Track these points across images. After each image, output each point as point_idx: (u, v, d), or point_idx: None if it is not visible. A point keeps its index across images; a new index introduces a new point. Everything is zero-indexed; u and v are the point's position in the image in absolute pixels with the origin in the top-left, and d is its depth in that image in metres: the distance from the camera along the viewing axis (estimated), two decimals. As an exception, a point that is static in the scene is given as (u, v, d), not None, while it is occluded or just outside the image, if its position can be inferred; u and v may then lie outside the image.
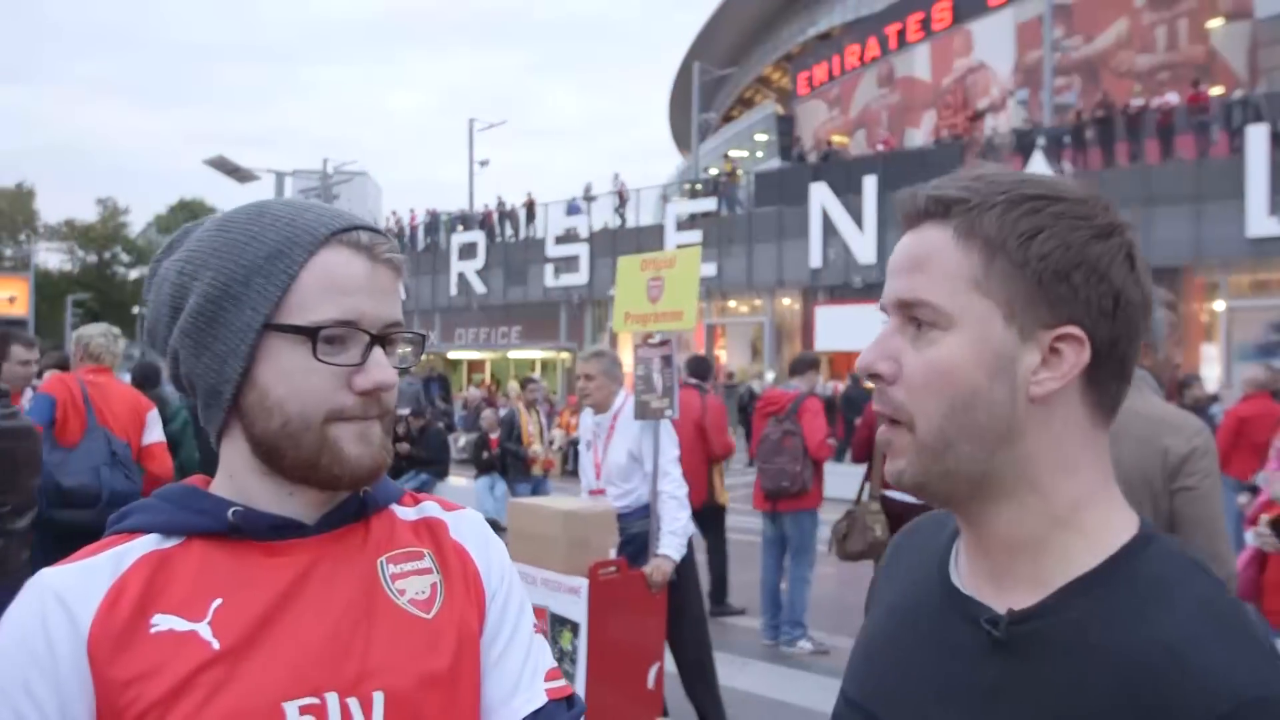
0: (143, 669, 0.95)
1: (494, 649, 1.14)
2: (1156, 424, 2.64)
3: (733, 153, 38.27)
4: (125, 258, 70.92)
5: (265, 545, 1.03)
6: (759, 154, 40.76)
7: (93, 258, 68.77)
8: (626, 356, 5.48)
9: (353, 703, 1.00)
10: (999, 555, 0.93)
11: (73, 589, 0.97)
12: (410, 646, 1.05)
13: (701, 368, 7.91)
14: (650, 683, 4.57)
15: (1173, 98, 20.15)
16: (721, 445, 7.28)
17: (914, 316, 0.91)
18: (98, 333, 4.99)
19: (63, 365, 6.45)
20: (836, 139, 33.17)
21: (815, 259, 23.60)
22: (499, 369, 30.65)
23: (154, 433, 4.87)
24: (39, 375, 5.52)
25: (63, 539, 4.39)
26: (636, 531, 4.81)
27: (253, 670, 0.97)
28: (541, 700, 1.14)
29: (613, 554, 4.53)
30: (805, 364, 7.11)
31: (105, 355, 4.92)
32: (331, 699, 0.99)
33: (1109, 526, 0.91)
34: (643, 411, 5.04)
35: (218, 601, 0.99)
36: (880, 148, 27.04)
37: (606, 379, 4.99)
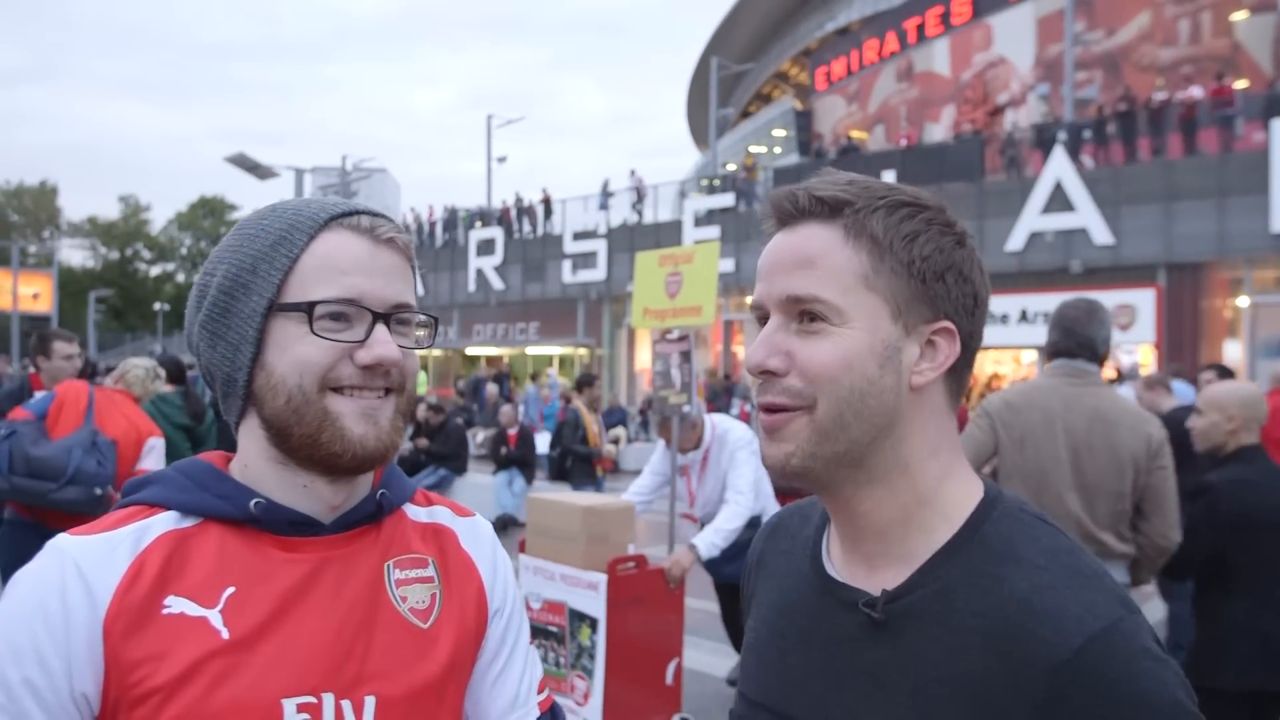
0: (152, 650, 0.96)
1: (496, 664, 1.17)
2: (1136, 415, 3.22)
3: (751, 148, 38.15)
4: (146, 254, 71.52)
5: (281, 539, 1.05)
6: (777, 150, 40.62)
7: (115, 254, 69.36)
8: (644, 353, 5.48)
9: (346, 705, 1.02)
10: (870, 539, 0.99)
11: (94, 562, 0.97)
12: (405, 654, 1.07)
13: None
14: (669, 679, 4.56)
15: (1196, 91, 19.93)
16: None
17: (805, 311, 0.96)
18: (141, 367, 5.14)
19: (83, 367, 6.52)
20: (855, 134, 33.03)
21: (834, 255, 23.49)
22: (517, 365, 30.73)
23: (148, 462, 4.78)
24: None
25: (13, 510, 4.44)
26: (747, 537, 4.92)
27: (257, 664, 0.98)
28: (535, 715, 1.19)
29: (631, 549, 4.53)
30: None
31: (136, 386, 5.05)
32: (328, 700, 1.01)
33: (963, 497, 0.98)
34: (661, 407, 5.04)
35: (230, 590, 1.00)
36: (904, 143, 26.91)
37: (693, 429, 5.03)
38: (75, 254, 69.18)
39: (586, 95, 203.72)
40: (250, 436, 1.07)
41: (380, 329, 1.04)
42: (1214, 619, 3.32)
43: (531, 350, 30.22)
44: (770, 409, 0.98)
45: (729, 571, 5.00)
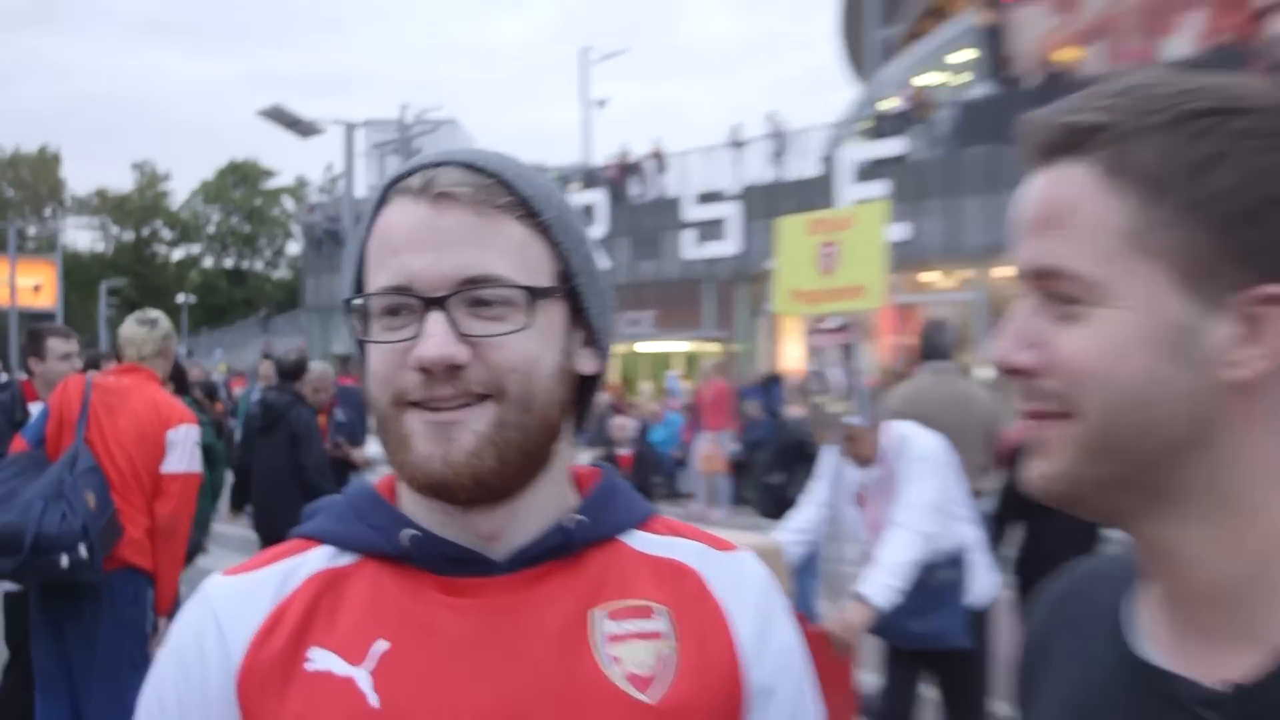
0: (293, 713, 1.00)
1: None
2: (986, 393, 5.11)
3: (923, 79, 37.64)
4: (167, 234, 74.27)
5: (444, 581, 1.05)
6: (960, 79, 40.00)
7: (129, 235, 72.30)
8: (792, 347, 5.47)
9: None
10: (1200, 602, 0.87)
11: (231, 609, 1.05)
12: None
13: None
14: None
15: None
16: None
17: (1054, 289, 0.87)
18: (128, 321, 4.92)
19: (95, 366, 6.70)
20: (1064, 54, 32.29)
21: (1040, 215, 23.05)
22: (628, 366, 30.85)
23: (173, 460, 4.58)
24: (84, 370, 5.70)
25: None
26: (941, 582, 4.67)
27: None
28: None
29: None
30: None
31: (129, 349, 4.81)
32: None
33: None
34: (818, 417, 4.99)
35: (383, 646, 1.02)
36: (1132, 64, 26.19)
37: (870, 430, 4.83)
38: (82, 235, 72.80)
39: (710, 18, 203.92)
40: None
41: (429, 320, 0.99)
42: None
43: (644, 347, 30.37)
44: (1030, 416, 0.90)
45: (920, 632, 4.70)
